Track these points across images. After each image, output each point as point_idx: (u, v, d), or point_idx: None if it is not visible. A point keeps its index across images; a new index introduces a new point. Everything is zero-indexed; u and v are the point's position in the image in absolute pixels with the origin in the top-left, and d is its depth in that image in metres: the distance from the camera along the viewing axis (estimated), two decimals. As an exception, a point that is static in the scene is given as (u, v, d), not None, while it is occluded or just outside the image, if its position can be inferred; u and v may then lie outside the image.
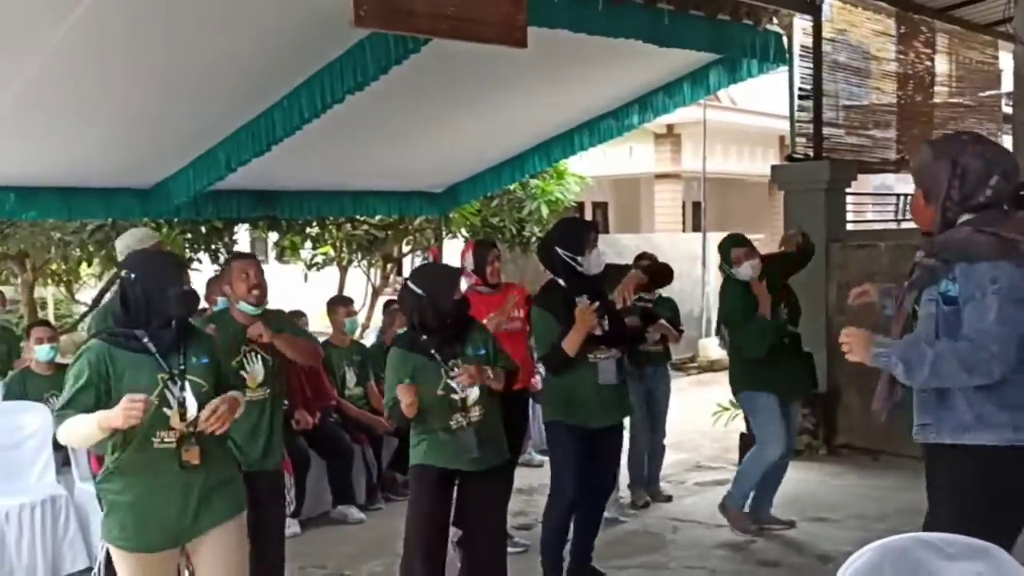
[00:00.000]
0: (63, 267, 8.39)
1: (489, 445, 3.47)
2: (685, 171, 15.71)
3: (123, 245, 3.90)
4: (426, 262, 6.60)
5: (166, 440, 2.69)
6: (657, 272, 5.24)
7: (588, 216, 16.26)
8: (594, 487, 4.05)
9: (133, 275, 2.75)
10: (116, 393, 2.61)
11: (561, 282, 3.93)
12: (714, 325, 6.65)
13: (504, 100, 5.42)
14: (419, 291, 3.42)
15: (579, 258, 3.88)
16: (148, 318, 2.72)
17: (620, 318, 4.12)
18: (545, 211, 9.13)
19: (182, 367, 2.74)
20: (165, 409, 2.68)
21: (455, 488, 3.51)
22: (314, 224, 8.83)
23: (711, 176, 13.90)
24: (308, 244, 9.47)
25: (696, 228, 15.21)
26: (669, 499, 5.54)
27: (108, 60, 3.93)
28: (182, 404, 2.69)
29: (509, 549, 3.93)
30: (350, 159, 6.02)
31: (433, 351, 3.41)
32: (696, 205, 15.81)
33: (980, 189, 2.34)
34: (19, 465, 4.56)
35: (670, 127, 15.07)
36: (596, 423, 3.91)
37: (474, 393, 3.42)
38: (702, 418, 7.17)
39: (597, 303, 3.82)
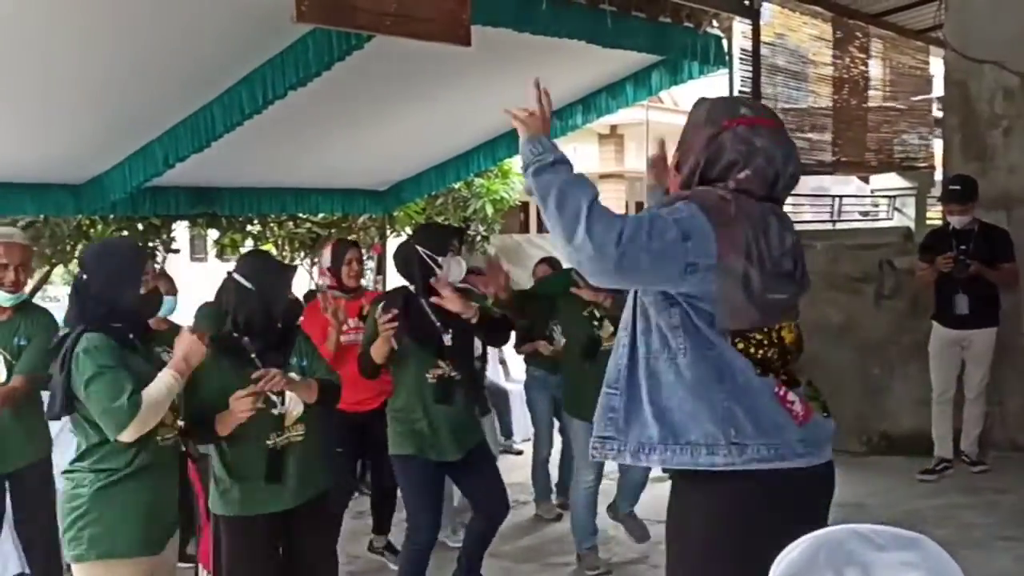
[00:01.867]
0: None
1: (309, 472, 3.04)
2: (628, 171, 15.92)
3: None
4: (255, 250, 6.13)
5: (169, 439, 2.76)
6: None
7: (532, 216, 16.32)
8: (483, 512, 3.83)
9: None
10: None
11: (411, 286, 3.72)
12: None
13: (449, 98, 5.41)
14: (248, 284, 2.99)
15: (439, 259, 3.66)
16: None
17: (468, 333, 3.75)
18: (490, 209, 9.15)
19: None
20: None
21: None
22: (255, 221, 8.71)
23: (654, 176, 14.07)
24: (249, 242, 9.34)
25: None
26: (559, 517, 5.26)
27: (35, 48, 3.81)
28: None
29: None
30: (293, 156, 5.94)
31: (254, 356, 2.96)
32: (640, 205, 16.00)
33: (727, 175, 1.97)
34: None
35: (613, 127, 15.27)
36: (445, 455, 3.66)
37: (298, 409, 3.00)
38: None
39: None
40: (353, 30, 3.59)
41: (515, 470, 5.63)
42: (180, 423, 2.74)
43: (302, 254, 9.83)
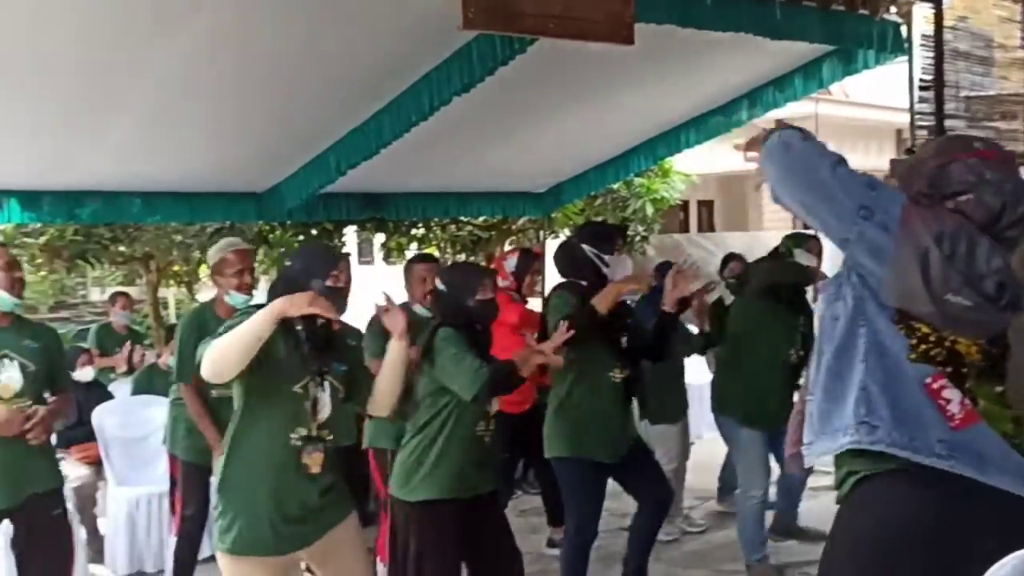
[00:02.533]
0: (184, 268, 8.78)
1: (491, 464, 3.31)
2: (795, 167, 15.31)
3: (210, 253, 4.16)
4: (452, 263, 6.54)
5: (299, 439, 2.65)
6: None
7: (694, 215, 16.02)
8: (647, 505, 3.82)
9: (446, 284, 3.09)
10: (266, 367, 2.55)
11: (583, 284, 3.70)
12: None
13: (609, 98, 5.37)
14: (442, 287, 3.24)
15: (606, 257, 3.67)
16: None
17: (641, 335, 3.78)
18: (650, 209, 9.03)
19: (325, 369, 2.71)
20: (306, 403, 2.66)
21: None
22: (419, 225, 8.98)
23: (822, 172, 13.44)
24: (413, 245, 9.64)
25: (807, 226, 14.78)
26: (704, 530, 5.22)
27: (221, 73, 4.06)
28: (318, 404, 2.68)
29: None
30: (455, 161, 6.08)
31: (474, 348, 3.15)
32: (806, 202, 15.36)
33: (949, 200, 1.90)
34: (146, 456, 4.80)
35: (778, 122, 14.67)
36: (611, 456, 3.65)
37: (495, 404, 3.27)
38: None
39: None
40: (518, 34, 3.62)
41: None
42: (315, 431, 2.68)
43: (464, 256, 10.06)
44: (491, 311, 3.24)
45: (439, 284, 3.26)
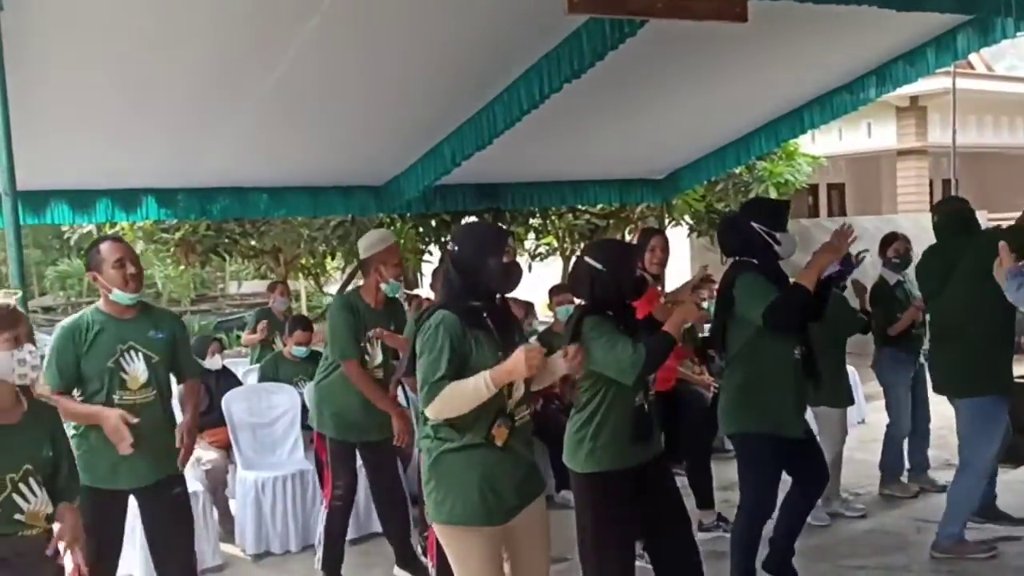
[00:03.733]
0: (311, 261, 9.10)
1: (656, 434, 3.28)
2: (932, 146, 14.52)
3: (365, 244, 4.32)
4: (601, 240, 6.58)
5: (501, 422, 2.71)
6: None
7: (823, 199, 15.43)
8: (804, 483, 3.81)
9: (458, 247, 2.81)
10: (471, 367, 2.64)
11: (755, 261, 3.63)
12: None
13: (726, 79, 5.22)
14: (599, 266, 3.18)
15: (777, 234, 3.60)
16: (472, 292, 2.75)
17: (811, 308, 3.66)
18: (774, 193, 8.75)
19: (508, 348, 2.71)
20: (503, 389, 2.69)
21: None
22: (536, 215, 9.00)
23: (963, 150, 12.73)
24: (531, 235, 9.66)
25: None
26: (944, 488, 5.10)
27: (339, 69, 4.19)
28: (513, 386, 2.72)
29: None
30: (569, 148, 6.05)
31: (620, 325, 3.16)
32: (946, 183, 14.56)
33: None
34: (272, 441, 5.01)
35: (914, 99, 14.00)
36: (794, 430, 3.64)
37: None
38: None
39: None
40: (625, 16, 3.56)
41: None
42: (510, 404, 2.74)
43: (582, 244, 10.02)
44: (643, 286, 3.30)
45: (594, 264, 3.20)
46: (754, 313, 3.47)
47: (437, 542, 3.35)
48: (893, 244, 5.46)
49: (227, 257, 8.91)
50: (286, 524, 4.80)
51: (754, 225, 3.64)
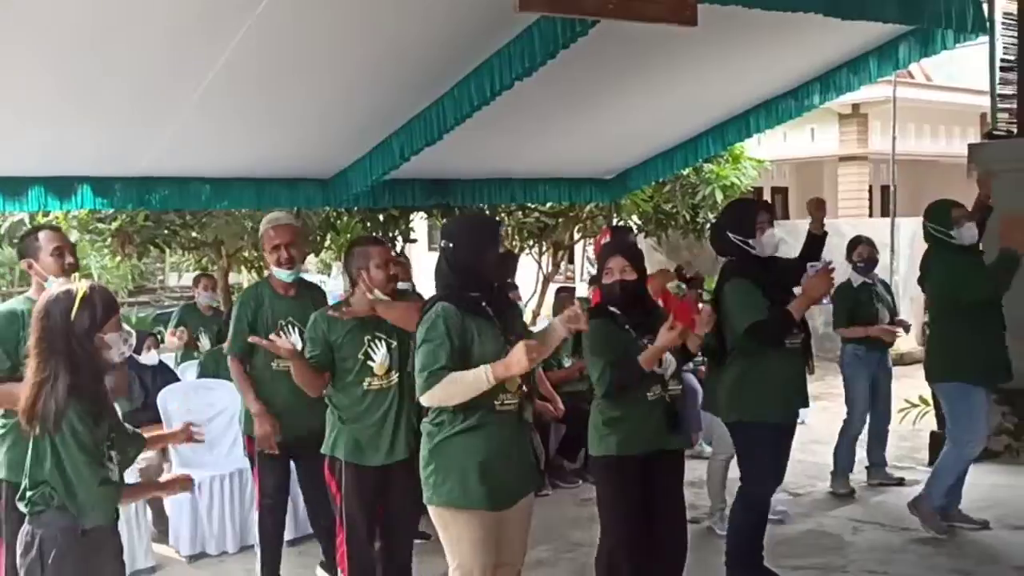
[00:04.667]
0: (254, 254, 8.93)
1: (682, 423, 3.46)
2: (872, 153, 14.83)
3: (264, 225, 4.21)
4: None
5: (507, 402, 2.84)
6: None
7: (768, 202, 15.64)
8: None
9: (452, 243, 2.92)
10: (473, 356, 2.78)
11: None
12: (903, 315, 6.24)
13: (675, 82, 5.26)
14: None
15: (751, 240, 3.74)
16: (468, 284, 2.86)
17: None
18: (720, 196, 8.86)
19: (512, 336, 2.85)
20: None
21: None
22: (486, 211, 8.96)
23: (902, 158, 12.99)
24: (480, 232, 9.63)
25: (884, 213, 14.33)
26: (901, 481, 5.47)
27: (287, 59, 4.09)
28: None
29: None
30: (520, 146, 6.04)
31: (628, 327, 3.40)
32: (885, 189, 14.88)
33: None
34: (210, 440, 4.86)
35: (855, 106, 14.27)
36: (794, 417, 3.85)
37: (672, 366, 3.40)
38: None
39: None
40: (577, 16, 3.55)
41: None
42: (524, 389, 2.88)
43: (531, 243, 10.02)
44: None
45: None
46: (739, 325, 3.66)
47: (346, 555, 3.51)
48: (857, 248, 5.69)
49: (166, 249, 8.70)
50: (223, 524, 4.69)
51: (729, 235, 3.81)
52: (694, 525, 4.68)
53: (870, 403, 5.53)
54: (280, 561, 4.19)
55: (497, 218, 9.26)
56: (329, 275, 19.00)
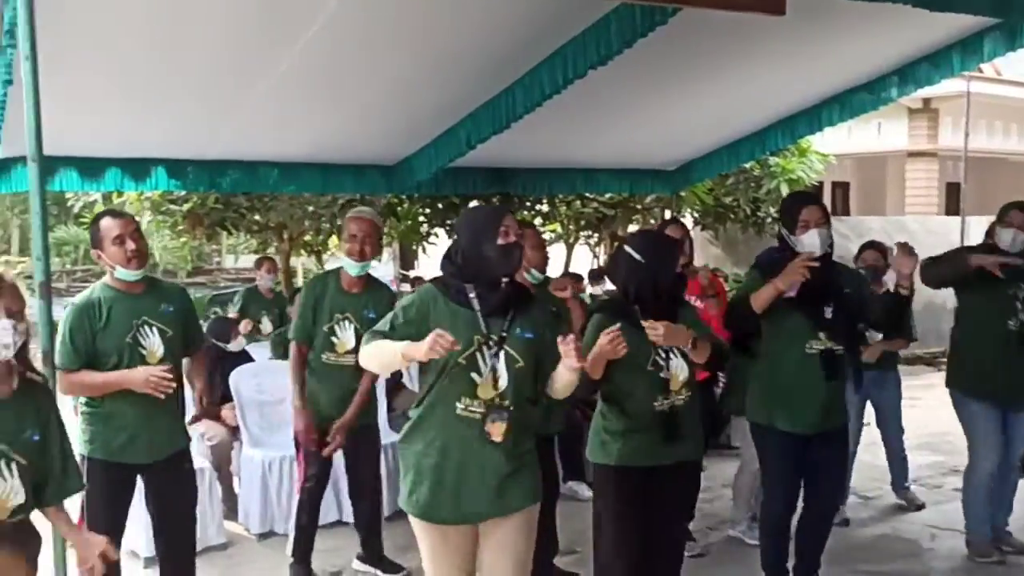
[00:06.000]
0: (316, 239, 9.03)
1: (689, 437, 3.18)
2: (942, 149, 14.48)
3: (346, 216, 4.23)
4: (646, 228, 6.51)
5: (470, 408, 2.62)
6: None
7: (827, 197, 15.36)
8: (814, 500, 3.71)
9: (457, 236, 2.78)
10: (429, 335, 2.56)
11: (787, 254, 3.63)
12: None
13: (748, 73, 5.15)
14: (638, 257, 3.12)
15: (791, 237, 3.56)
16: (477, 277, 2.69)
17: (849, 310, 3.62)
18: (785, 190, 8.71)
19: (503, 334, 2.65)
20: (473, 374, 2.61)
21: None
22: (543, 201, 8.94)
23: (972, 155, 12.66)
24: (538, 221, 9.61)
25: (952, 211, 13.98)
26: (921, 507, 5.16)
27: (359, 49, 4.11)
28: (494, 373, 2.61)
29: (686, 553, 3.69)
30: (583, 135, 5.98)
31: (642, 322, 3.07)
32: (953, 186, 14.51)
33: None
34: (280, 421, 4.93)
35: (926, 101, 13.94)
36: (810, 428, 3.55)
37: (683, 372, 3.12)
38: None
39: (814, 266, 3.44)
40: (663, 3, 3.49)
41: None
42: (490, 397, 2.62)
43: (588, 233, 9.98)
44: (682, 285, 3.29)
45: (634, 255, 3.13)
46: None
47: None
48: (863, 254, 5.29)
49: (233, 231, 8.84)
50: (291, 505, 4.74)
51: (779, 227, 3.70)
52: (717, 534, 4.64)
53: (881, 427, 5.24)
54: (313, 546, 4.22)
55: (554, 207, 9.24)
56: (379, 260, 19.17)
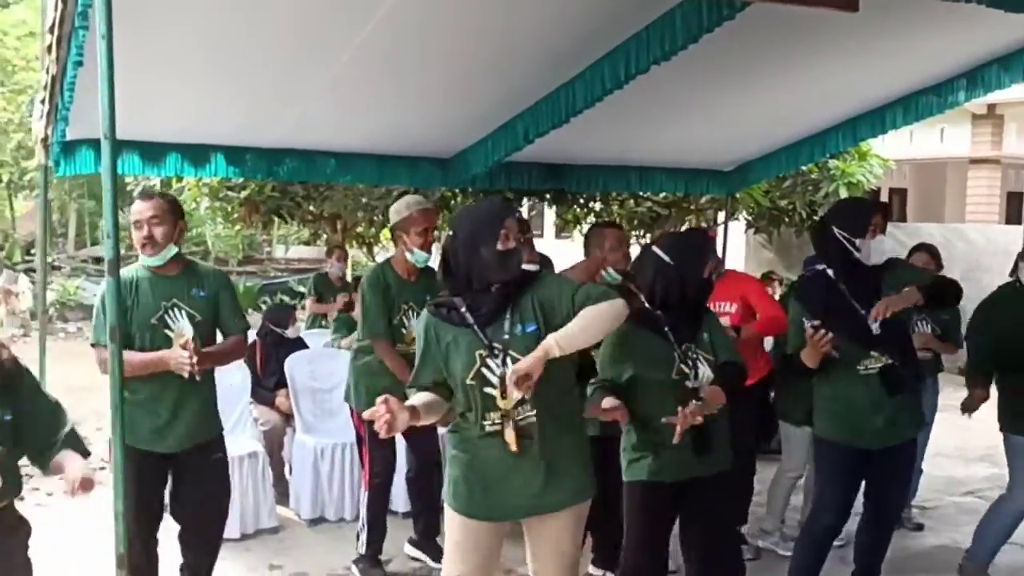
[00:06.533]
0: (368, 231, 9.08)
1: (720, 448, 3.06)
2: (1006, 156, 14.10)
3: (393, 211, 4.26)
4: (675, 231, 6.42)
5: (495, 423, 2.56)
6: (940, 294, 4.35)
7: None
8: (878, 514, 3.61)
9: (453, 234, 2.62)
10: (449, 370, 2.57)
11: (829, 271, 3.48)
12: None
13: (814, 71, 5.05)
14: (667, 259, 3.04)
15: (856, 241, 3.41)
16: (469, 282, 2.58)
17: (898, 320, 3.47)
18: (844, 193, 8.54)
19: (505, 337, 2.55)
20: (487, 389, 2.54)
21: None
22: (597, 199, 8.89)
23: (1037, 163, 12.34)
24: (590, 219, 9.56)
25: (1013, 220, 13.62)
26: (919, 527, 4.97)
27: (419, 43, 4.10)
28: (503, 381, 2.51)
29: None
30: (640, 132, 5.93)
31: (667, 328, 2.99)
32: (1015, 195, 14.15)
33: None
34: (331, 408, 4.98)
35: (991, 106, 13.58)
36: (875, 443, 3.44)
37: (708, 380, 2.99)
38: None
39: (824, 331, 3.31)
40: (733, -2, 3.43)
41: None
42: (505, 405, 2.56)
43: (641, 232, 9.89)
44: (709, 289, 3.20)
45: (662, 256, 3.06)
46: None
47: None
48: (913, 256, 5.05)
49: (289, 220, 8.94)
50: (342, 492, 4.79)
51: (834, 229, 3.48)
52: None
53: None
54: (385, 537, 4.24)
55: (608, 205, 9.17)
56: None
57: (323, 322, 6.84)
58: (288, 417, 5.10)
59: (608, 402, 2.80)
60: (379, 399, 2.38)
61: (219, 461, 3.51)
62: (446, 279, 2.66)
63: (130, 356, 3.22)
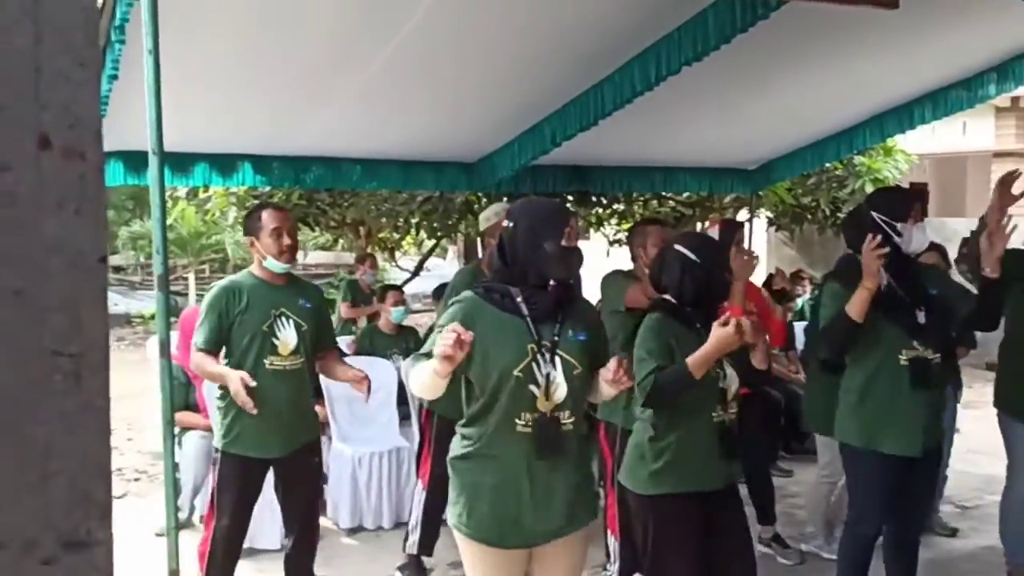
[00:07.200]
0: (393, 236, 9.08)
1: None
2: (1029, 149, 13.94)
3: (483, 217, 4.29)
4: (693, 232, 6.39)
5: (528, 424, 2.38)
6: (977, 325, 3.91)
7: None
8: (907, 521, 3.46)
9: (513, 224, 2.51)
10: (488, 357, 2.38)
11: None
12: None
13: (843, 68, 5.01)
14: (694, 257, 2.93)
15: (898, 225, 3.23)
16: (525, 275, 2.47)
17: (944, 311, 3.31)
18: (870, 190, 8.46)
19: (555, 338, 2.42)
20: (531, 386, 2.38)
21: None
22: (620, 200, 8.85)
23: (1061, 155, 12.20)
24: (614, 220, 9.53)
25: (1036, 213, 13.49)
26: (954, 533, 4.81)
27: (450, 44, 4.09)
28: (550, 383, 2.39)
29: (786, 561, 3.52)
30: (665, 133, 5.90)
31: (699, 324, 2.86)
32: (1036, 188, 13.99)
33: None
34: (368, 415, 4.96)
35: (1015, 99, 13.42)
36: (916, 450, 3.24)
37: (735, 384, 2.87)
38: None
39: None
40: (769, -3, 3.41)
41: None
42: (547, 407, 2.40)
43: (663, 233, 9.87)
44: (728, 288, 3.08)
45: (689, 255, 2.96)
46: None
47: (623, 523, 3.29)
48: (923, 254, 4.85)
49: (315, 227, 8.96)
50: (380, 500, 4.77)
51: (874, 215, 3.30)
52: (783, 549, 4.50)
53: None
54: (436, 540, 4.19)
55: (632, 206, 9.12)
56: (444, 258, 19.23)
57: (352, 328, 6.85)
58: (324, 426, 5.10)
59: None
60: (451, 324, 2.30)
61: (317, 464, 3.68)
62: (499, 270, 2.55)
63: (206, 363, 3.32)
